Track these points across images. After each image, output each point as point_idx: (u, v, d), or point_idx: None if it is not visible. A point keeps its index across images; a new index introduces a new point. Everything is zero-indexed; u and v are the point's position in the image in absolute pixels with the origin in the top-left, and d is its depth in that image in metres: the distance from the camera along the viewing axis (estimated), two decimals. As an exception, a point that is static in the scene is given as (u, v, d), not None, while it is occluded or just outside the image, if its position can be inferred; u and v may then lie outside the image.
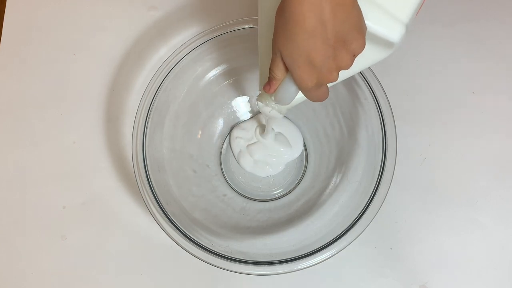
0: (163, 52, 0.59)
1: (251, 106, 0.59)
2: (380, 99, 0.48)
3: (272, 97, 0.41)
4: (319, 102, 0.55)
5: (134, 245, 0.54)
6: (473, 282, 0.52)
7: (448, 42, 0.59)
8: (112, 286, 0.53)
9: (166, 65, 0.49)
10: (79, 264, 0.53)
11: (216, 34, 0.50)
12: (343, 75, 0.37)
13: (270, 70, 0.36)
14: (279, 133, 0.59)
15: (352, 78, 0.50)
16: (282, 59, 0.34)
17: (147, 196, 0.46)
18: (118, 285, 0.53)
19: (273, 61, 0.35)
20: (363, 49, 0.33)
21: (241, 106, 0.59)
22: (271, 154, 0.58)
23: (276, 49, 0.34)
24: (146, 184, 0.47)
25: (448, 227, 0.54)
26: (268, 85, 0.38)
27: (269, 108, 0.44)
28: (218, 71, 0.55)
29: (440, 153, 0.56)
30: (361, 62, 0.36)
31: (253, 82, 0.57)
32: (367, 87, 0.49)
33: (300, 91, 0.37)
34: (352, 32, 0.31)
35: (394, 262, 0.53)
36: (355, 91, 0.50)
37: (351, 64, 0.34)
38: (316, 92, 0.36)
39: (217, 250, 0.45)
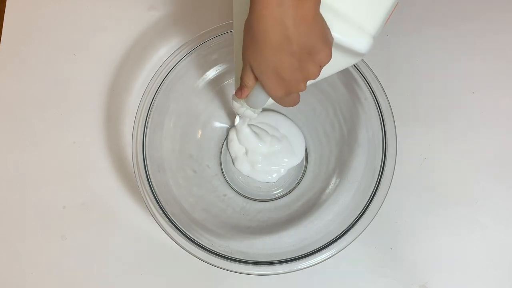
0: (163, 52, 0.59)
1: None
2: (380, 99, 0.48)
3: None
4: (319, 103, 0.56)
5: (134, 245, 0.54)
6: (473, 282, 0.52)
7: (448, 42, 0.59)
8: (112, 286, 0.53)
9: (166, 65, 0.49)
10: (79, 264, 0.53)
11: (216, 34, 0.50)
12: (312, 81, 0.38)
13: (242, 78, 0.37)
14: (284, 136, 0.58)
15: (352, 78, 0.50)
16: (252, 70, 0.35)
17: (147, 196, 0.47)
18: (118, 285, 0.53)
19: (243, 71, 0.37)
20: (329, 59, 0.34)
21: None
22: (271, 162, 0.57)
23: (245, 60, 0.35)
24: (146, 184, 0.47)
25: (448, 227, 0.54)
26: (239, 91, 0.39)
27: (244, 108, 0.45)
28: (218, 71, 0.55)
29: (440, 153, 0.56)
30: (330, 68, 0.36)
31: (253, 82, 0.57)
32: (367, 87, 0.49)
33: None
34: (317, 44, 0.32)
35: (394, 262, 0.53)
36: (355, 91, 0.50)
37: (318, 74, 0.35)
38: (286, 99, 0.38)
39: (217, 250, 0.45)
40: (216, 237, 0.48)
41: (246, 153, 0.57)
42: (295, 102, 0.39)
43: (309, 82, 0.37)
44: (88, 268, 0.53)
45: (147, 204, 0.46)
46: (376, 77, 0.49)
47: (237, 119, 0.57)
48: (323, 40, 0.32)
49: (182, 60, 0.50)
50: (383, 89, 0.48)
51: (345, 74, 0.50)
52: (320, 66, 0.34)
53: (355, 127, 0.52)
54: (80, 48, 0.60)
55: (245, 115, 0.47)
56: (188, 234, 0.46)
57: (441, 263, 0.53)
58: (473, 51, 0.59)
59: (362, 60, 0.49)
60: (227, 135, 0.59)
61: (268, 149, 0.57)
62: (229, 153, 0.58)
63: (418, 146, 0.56)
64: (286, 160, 0.57)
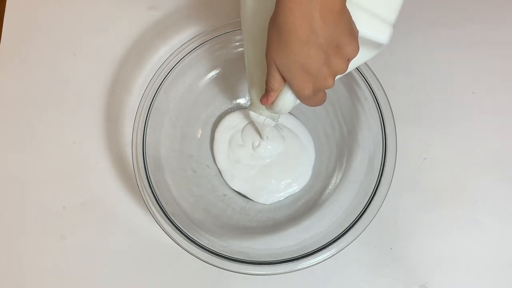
0: (163, 52, 0.59)
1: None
2: (380, 99, 0.48)
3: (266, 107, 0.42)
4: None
5: (134, 245, 0.54)
6: (473, 282, 0.52)
7: (448, 42, 0.59)
8: (112, 286, 0.53)
9: (166, 65, 0.49)
10: (79, 264, 0.53)
11: (216, 34, 0.50)
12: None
13: (267, 82, 0.36)
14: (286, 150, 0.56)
15: (352, 78, 0.50)
16: (278, 70, 0.35)
17: (147, 196, 0.47)
18: (118, 285, 0.53)
19: (269, 73, 0.36)
20: (357, 52, 0.33)
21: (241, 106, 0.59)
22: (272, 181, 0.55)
23: (270, 60, 0.34)
24: (146, 184, 0.47)
25: (448, 227, 0.54)
26: (265, 97, 0.38)
27: (263, 117, 0.44)
28: (218, 71, 0.55)
29: (440, 153, 0.56)
30: (351, 63, 0.36)
31: (253, 82, 0.57)
32: (367, 87, 0.49)
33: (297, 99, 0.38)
34: (344, 37, 0.32)
35: (394, 262, 0.53)
36: (355, 91, 0.50)
37: (346, 69, 0.34)
38: (314, 99, 0.37)
39: (217, 250, 0.45)
40: (216, 237, 0.48)
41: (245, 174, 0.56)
42: (322, 101, 0.38)
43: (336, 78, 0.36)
44: (88, 268, 0.53)
45: (147, 204, 0.46)
46: (376, 77, 0.49)
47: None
48: (350, 33, 0.32)
49: (182, 60, 0.50)
50: (383, 89, 0.49)
51: (345, 74, 0.50)
52: (348, 60, 0.34)
53: (355, 127, 0.52)
54: (80, 48, 0.60)
55: (265, 124, 0.45)
56: (188, 234, 0.46)
57: (441, 263, 0.53)
58: (473, 51, 0.59)
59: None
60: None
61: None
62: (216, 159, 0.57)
63: (418, 146, 0.56)
64: (289, 180, 0.55)
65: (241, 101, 0.58)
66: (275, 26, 0.32)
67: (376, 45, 0.36)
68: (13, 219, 0.55)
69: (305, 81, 0.34)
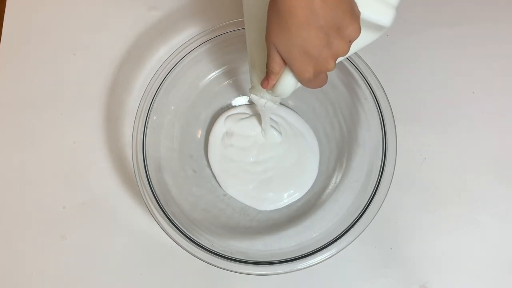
0: (163, 52, 0.59)
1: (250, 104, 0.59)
2: (380, 99, 0.48)
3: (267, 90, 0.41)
4: (318, 102, 0.56)
5: (134, 245, 0.54)
6: (473, 282, 0.52)
7: (448, 42, 0.59)
8: (112, 286, 0.53)
9: (166, 65, 0.49)
10: (79, 264, 0.53)
11: (216, 34, 0.50)
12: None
13: (268, 65, 0.36)
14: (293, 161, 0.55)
15: (352, 78, 0.50)
16: (278, 53, 0.34)
17: (147, 196, 0.47)
18: (118, 285, 0.53)
19: (269, 56, 0.35)
20: (359, 33, 0.32)
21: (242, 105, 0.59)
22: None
23: (270, 43, 0.34)
24: (146, 184, 0.47)
25: (448, 227, 0.54)
26: (266, 80, 0.37)
27: (264, 100, 0.44)
28: (218, 71, 0.55)
29: (440, 153, 0.56)
30: (352, 46, 0.35)
31: (253, 82, 0.57)
32: (367, 87, 0.49)
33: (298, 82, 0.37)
34: (345, 18, 0.31)
35: (394, 262, 0.53)
36: (355, 91, 0.50)
37: (348, 51, 0.33)
38: (315, 81, 0.36)
39: (217, 250, 0.45)
40: (216, 237, 0.48)
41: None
42: (322, 83, 0.37)
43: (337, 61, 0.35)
44: (88, 268, 0.53)
45: (147, 204, 0.46)
46: (376, 77, 0.49)
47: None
48: (351, 14, 0.31)
49: (182, 60, 0.50)
50: (383, 89, 0.49)
51: (345, 74, 0.50)
52: (350, 42, 0.33)
53: (355, 127, 0.52)
54: (80, 48, 0.60)
55: (266, 107, 0.45)
56: (188, 234, 0.46)
57: (441, 263, 0.53)
58: (473, 51, 0.59)
59: (362, 60, 0.49)
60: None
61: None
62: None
63: (418, 146, 0.56)
64: (292, 191, 0.55)
65: (242, 100, 0.58)
66: (274, 8, 0.31)
67: (378, 27, 0.35)
68: (13, 219, 0.55)
69: (306, 63, 0.33)
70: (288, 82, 0.37)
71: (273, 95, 0.41)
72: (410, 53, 0.59)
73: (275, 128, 0.55)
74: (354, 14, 0.31)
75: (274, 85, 0.38)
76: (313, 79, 0.35)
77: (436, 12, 0.60)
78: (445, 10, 0.60)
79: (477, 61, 0.59)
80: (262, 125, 0.54)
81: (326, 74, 0.37)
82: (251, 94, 0.45)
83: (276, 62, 0.35)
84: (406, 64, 0.59)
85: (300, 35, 0.31)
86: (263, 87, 0.38)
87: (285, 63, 0.35)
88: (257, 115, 0.56)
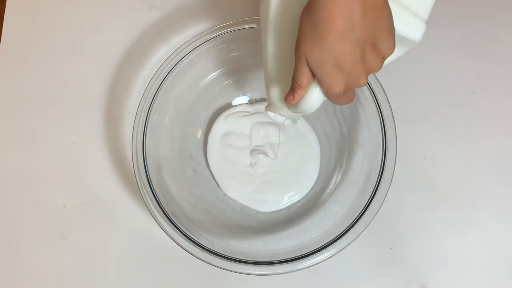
0: (163, 52, 0.59)
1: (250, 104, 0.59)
2: (380, 99, 0.48)
3: (286, 106, 0.39)
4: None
5: (134, 245, 0.54)
6: (473, 282, 0.52)
7: (448, 42, 0.59)
8: (112, 286, 0.53)
9: (166, 65, 0.49)
10: (79, 264, 0.53)
11: (216, 34, 0.50)
12: None
13: (295, 78, 0.34)
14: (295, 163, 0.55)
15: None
16: (308, 65, 0.32)
17: (147, 196, 0.47)
18: (118, 285, 0.53)
19: (297, 69, 0.33)
20: (393, 50, 0.32)
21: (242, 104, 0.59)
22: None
23: (300, 55, 0.32)
24: (146, 184, 0.47)
25: (448, 227, 0.54)
26: (291, 95, 0.35)
27: (283, 118, 0.41)
28: (218, 71, 0.55)
29: (440, 153, 0.56)
30: None
31: (253, 82, 0.57)
32: (367, 87, 0.49)
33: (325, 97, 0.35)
34: (382, 34, 0.30)
35: (394, 262, 0.53)
36: (355, 91, 0.50)
37: (381, 67, 0.32)
38: (343, 97, 0.35)
39: (217, 250, 0.45)
40: (216, 237, 0.48)
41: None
42: (350, 100, 0.36)
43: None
44: (88, 268, 0.53)
45: (147, 204, 0.46)
46: (376, 77, 0.49)
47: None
48: (388, 30, 0.30)
49: (182, 60, 0.50)
50: (383, 89, 0.49)
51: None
52: (383, 58, 0.32)
53: (355, 127, 0.52)
54: (80, 48, 0.60)
55: (285, 124, 0.43)
56: (188, 234, 0.46)
57: (441, 263, 0.53)
58: (473, 51, 0.59)
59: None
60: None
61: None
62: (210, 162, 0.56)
63: (418, 146, 0.56)
64: (293, 192, 0.55)
65: (242, 100, 0.58)
66: (310, 18, 0.30)
67: (406, 42, 0.34)
68: (13, 219, 0.55)
69: (338, 78, 0.32)
70: (314, 97, 0.35)
71: (296, 111, 0.38)
72: (410, 53, 0.58)
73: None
74: (391, 30, 0.31)
75: (299, 101, 0.36)
76: (342, 95, 0.34)
77: (436, 12, 0.60)
78: (445, 10, 0.60)
79: (477, 61, 0.59)
80: (275, 139, 0.53)
81: (354, 90, 0.35)
82: (268, 112, 0.42)
83: (305, 76, 0.33)
84: (406, 64, 0.59)
85: (336, 47, 0.30)
86: (287, 103, 0.36)
87: (313, 76, 0.33)
88: (257, 114, 0.56)
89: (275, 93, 0.41)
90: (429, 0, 0.34)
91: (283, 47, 0.37)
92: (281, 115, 0.41)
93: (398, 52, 0.36)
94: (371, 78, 0.48)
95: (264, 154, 0.55)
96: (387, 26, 0.30)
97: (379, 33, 0.30)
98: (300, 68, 0.33)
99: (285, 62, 0.37)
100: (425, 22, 0.33)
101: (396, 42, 0.32)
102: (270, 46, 0.39)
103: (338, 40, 0.30)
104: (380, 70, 0.33)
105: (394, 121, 0.48)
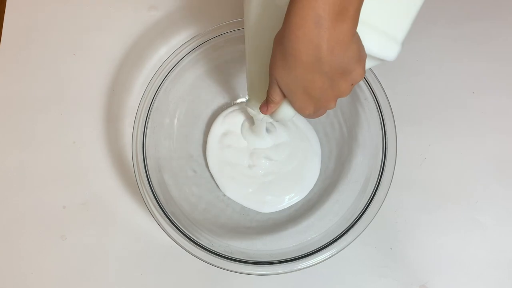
0: (163, 52, 0.59)
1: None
2: (380, 99, 0.48)
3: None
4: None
5: (134, 245, 0.54)
6: (473, 282, 0.52)
7: (448, 42, 0.59)
8: (112, 286, 0.53)
9: (166, 65, 0.49)
10: (79, 264, 0.53)
11: (216, 34, 0.50)
12: None
13: (268, 93, 0.36)
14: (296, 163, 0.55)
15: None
16: (279, 87, 0.34)
17: (147, 196, 0.47)
18: (118, 285, 0.53)
19: (270, 86, 0.35)
20: (363, 77, 0.33)
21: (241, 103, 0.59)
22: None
23: (273, 77, 0.34)
24: (146, 184, 0.47)
25: (448, 227, 0.54)
26: (265, 107, 0.37)
27: (262, 115, 0.44)
28: (218, 71, 0.55)
29: (440, 153, 0.56)
30: None
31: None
32: (367, 87, 0.49)
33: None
34: (351, 64, 0.31)
35: (394, 262, 0.53)
36: (355, 91, 0.50)
37: (349, 92, 0.34)
38: (313, 115, 0.37)
39: (217, 250, 0.45)
40: (216, 237, 0.48)
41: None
42: (321, 115, 0.38)
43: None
44: (88, 268, 0.53)
45: (147, 204, 0.46)
46: (376, 77, 0.49)
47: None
48: (357, 61, 0.31)
49: (182, 60, 0.50)
50: (383, 89, 0.49)
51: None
52: (352, 84, 0.33)
53: (355, 127, 0.52)
54: (80, 48, 0.60)
55: (264, 121, 0.45)
56: (188, 234, 0.46)
57: (441, 263, 0.53)
58: (473, 51, 0.59)
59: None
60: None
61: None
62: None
63: (418, 146, 0.56)
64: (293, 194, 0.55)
65: (242, 100, 0.58)
66: (280, 47, 0.31)
67: (381, 60, 0.35)
68: (13, 219, 0.55)
69: (307, 103, 0.34)
70: (287, 113, 0.38)
71: (272, 118, 0.41)
72: (410, 53, 0.59)
73: (270, 131, 0.55)
74: (360, 60, 0.31)
75: (273, 112, 0.39)
76: (312, 115, 0.36)
77: (437, 12, 0.60)
78: (445, 10, 0.60)
79: (477, 61, 0.59)
80: (257, 131, 0.53)
81: (324, 110, 0.37)
82: (249, 108, 0.45)
83: (277, 93, 0.35)
84: (406, 64, 0.59)
85: (304, 77, 0.31)
86: (261, 112, 0.38)
87: (285, 96, 0.35)
88: None
89: (255, 97, 0.44)
90: (406, 23, 0.35)
91: (261, 63, 0.38)
92: (259, 112, 0.43)
93: (369, 64, 0.37)
94: (371, 78, 0.48)
95: (266, 158, 0.55)
96: (354, 58, 0.31)
97: (347, 64, 0.31)
98: (272, 87, 0.35)
99: (264, 76, 0.38)
100: (400, 44, 0.34)
101: (370, 59, 0.34)
102: (251, 59, 0.41)
103: (306, 73, 0.31)
104: (348, 94, 0.34)
105: (394, 121, 0.48)
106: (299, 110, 0.35)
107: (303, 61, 0.30)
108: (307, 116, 0.37)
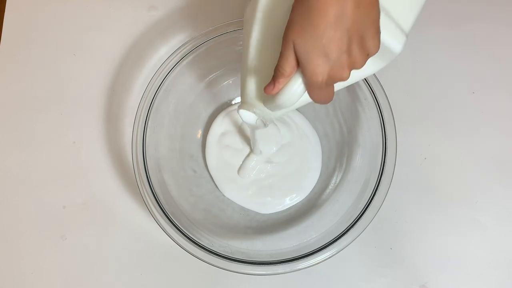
0: (163, 52, 0.59)
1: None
2: (380, 99, 0.48)
3: (262, 102, 0.39)
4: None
5: (134, 245, 0.54)
6: (473, 282, 0.52)
7: (448, 42, 0.59)
8: (112, 286, 0.53)
9: (166, 65, 0.49)
10: (79, 264, 0.53)
11: (216, 34, 0.50)
12: (339, 85, 0.37)
13: (279, 66, 0.34)
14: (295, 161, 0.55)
15: (352, 78, 0.50)
16: (295, 52, 0.33)
17: (147, 196, 0.47)
18: (118, 285, 0.53)
19: (282, 56, 0.34)
20: (378, 50, 0.32)
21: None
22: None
23: (289, 41, 0.32)
24: (146, 184, 0.47)
25: (448, 227, 0.54)
26: (271, 84, 0.35)
27: (255, 118, 0.40)
28: (218, 71, 0.55)
29: (440, 153, 0.56)
30: (358, 73, 0.35)
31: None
32: (367, 87, 0.49)
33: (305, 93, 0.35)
34: (371, 29, 0.31)
35: (394, 262, 0.53)
36: (355, 91, 0.50)
37: (363, 64, 0.33)
38: (323, 91, 0.35)
39: (217, 250, 0.45)
40: (216, 237, 0.48)
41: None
42: (329, 97, 0.36)
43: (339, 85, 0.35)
44: (88, 268, 0.53)
45: (147, 204, 0.46)
46: (376, 77, 0.49)
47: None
48: (376, 28, 0.31)
49: (182, 60, 0.50)
50: (383, 89, 0.48)
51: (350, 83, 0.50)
52: (368, 55, 0.33)
53: (355, 127, 0.52)
54: (80, 48, 0.60)
55: (256, 126, 0.42)
56: (188, 234, 0.46)
57: (441, 263, 0.53)
58: (473, 51, 0.59)
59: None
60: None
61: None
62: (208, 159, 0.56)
63: (418, 146, 0.56)
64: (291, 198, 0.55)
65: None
66: (303, 5, 0.31)
67: (386, 54, 0.35)
68: (13, 219, 0.55)
69: (322, 66, 0.32)
70: (295, 90, 0.34)
71: (274, 105, 0.37)
72: (410, 53, 0.59)
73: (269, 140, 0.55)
74: (378, 29, 0.32)
75: (278, 92, 0.35)
76: (323, 86, 0.34)
77: (437, 12, 0.60)
78: (445, 10, 0.60)
79: (477, 61, 0.59)
80: (252, 144, 0.52)
81: (333, 89, 0.36)
82: (240, 110, 0.40)
83: (289, 63, 0.34)
84: (406, 64, 0.59)
85: (326, 34, 0.31)
86: (266, 92, 0.35)
87: (297, 66, 0.34)
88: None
89: (252, 88, 0.40)
90: (412, 15, 0.35)
91: (268, 39, 0.37)
92: (254, 113, 0.40)
93: (376, 65, 0.37)
94: (371, 78, 0.48)
95: (267, 161, 0.54)
96: (375, 23, 0.31)
97: (368, 28, 0.31)
98: (285, 55, 0.33)
99: (267, 55, 0.37)
100: (406, 36, 0.34)
101: (376, 56, 0.33)
102: (255, 38, 0.38)
103: (329, 27, 0.31)
104: (351, 81, 0.34)
105: (394, 121, 0.48)
106: (312, 75, 0.33)
107: (328, 14, 0.30)
108: (317, 88, 0.34)
